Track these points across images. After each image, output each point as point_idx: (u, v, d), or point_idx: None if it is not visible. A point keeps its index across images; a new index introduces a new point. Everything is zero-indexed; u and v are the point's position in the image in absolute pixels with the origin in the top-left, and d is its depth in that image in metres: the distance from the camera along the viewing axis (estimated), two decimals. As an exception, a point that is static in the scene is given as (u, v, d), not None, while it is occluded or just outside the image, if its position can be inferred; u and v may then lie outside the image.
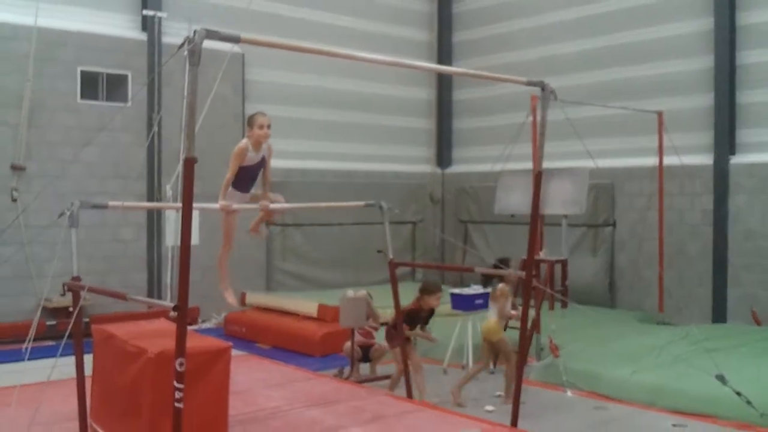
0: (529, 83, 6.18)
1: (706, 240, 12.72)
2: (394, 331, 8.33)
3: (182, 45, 4.72)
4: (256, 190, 6.59)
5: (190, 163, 4.73)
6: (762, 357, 9.02)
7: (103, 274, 11.54)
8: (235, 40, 4.84)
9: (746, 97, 12.40)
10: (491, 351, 8.64)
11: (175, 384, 4.70)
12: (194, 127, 4.79)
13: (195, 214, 13.39)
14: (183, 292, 4.83)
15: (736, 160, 12.45)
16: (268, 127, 6.21)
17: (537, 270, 10.26)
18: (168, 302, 5.15)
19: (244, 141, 6.23)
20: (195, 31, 4.61)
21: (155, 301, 5.37)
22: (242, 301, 12.94)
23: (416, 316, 8.55)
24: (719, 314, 12.42)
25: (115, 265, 11.84)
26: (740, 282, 11.99)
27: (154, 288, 12.56)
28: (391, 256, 7.87)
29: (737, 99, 12.48)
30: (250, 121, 6.26)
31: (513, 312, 8.55)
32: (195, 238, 13.11)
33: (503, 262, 8.50)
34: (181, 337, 4.79)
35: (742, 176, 12.32)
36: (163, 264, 12.82)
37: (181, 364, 4.72)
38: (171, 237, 12.89)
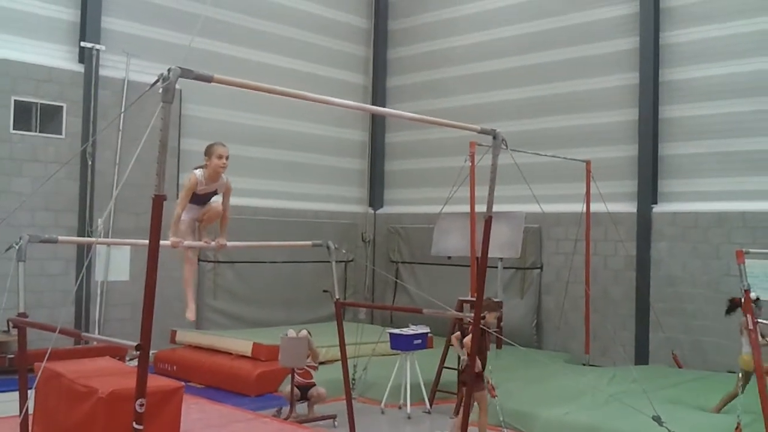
0: (483, 131, 6.40)
1: (629, 285, 13.23)
2: (475, 374, 7.68)
3: (156, 82, 4.73)
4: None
5: (159, 201, 4.70)
6: (689, 398, 9.43)
7: (31, 308, 11.12)
8: (208, 79, 4.88)
9: (668, 149, 13.08)
10: (746, 379, 8.65)
11: (135, 425, 4.62)
12: (164, 165, 4.76)
13: (126, 250, 13.30)
14: (146, 331, 4.77)
15: (658, 208, 13.06)
16: (227, 158, 6.06)
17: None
18: (125, 341, 5.06)
19: (198, 173, 6.06)
20: (169, 69, 4.64)
21: (115, 339, 5.27)
22: (172, 339, 12.73)
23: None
24: (642, 356, 12.89)
25: (43, 299, 11.48)
26: (662, 326, 12.47)
27: (81, 323, 12.21)
28: (337, 296, 7.95)
29: (660, 151, 13.14)
30: (209, 151, 6.07)
31: None
32: (125, 274, 12.91)
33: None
34: (142, 376, 4.72)
35: (664, 224, 12.92)
36: (92, 299, 12.50)
37: (141, 405, 4.66)
38: (101, 272, 12.63)
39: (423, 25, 17.02)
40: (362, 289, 17.09)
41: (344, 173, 17.24)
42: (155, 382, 5.98)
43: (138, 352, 4.71)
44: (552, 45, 14.59)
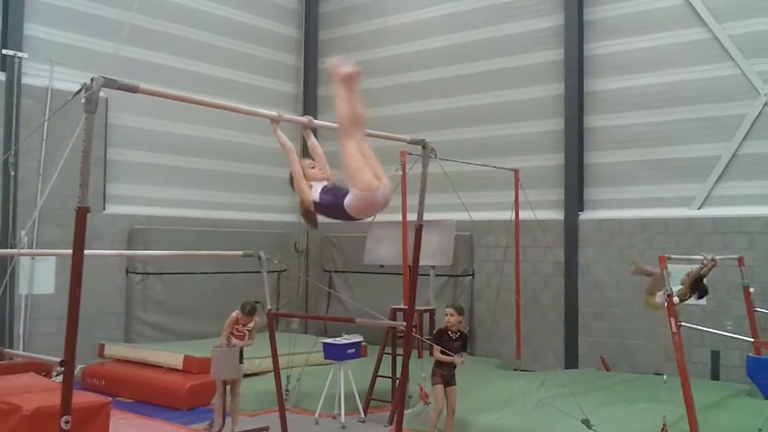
0: (413, 141, 6.49)
1: (558, 290, 13.48)
2: (437, 369, 8.44)
3: (78, 92, 4.66)
4: None
5: (82, 212, 4.62)
6: (616, 401, 9.67)
7: (-51, 325, 10.80)
8: (133, 89, 4.83)
9: (593, 158, 13.42)
10: None
11: (60, 443, 4.51)
12: (88, 176, 4.68)
13: (51, 263, 12.93)
14: (70, 346, 4.69)
15: (584, 215, 13.37)
16: None
17: (419, 320, 10.52)
18: (49, 357, 4.93)
19: None
20: (92, 79, 4.57)
21: (39, 356, 5.13)
22: (100, 352, 12.44)
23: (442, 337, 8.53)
24: (571, 361, 13.15)
25: (-39, 315, 11.11)
26: (590, 330, 12.74)
27: (5, 339, 11.81)
28: (269, 307, 7.91)
29: (585, 159, 13.47)
30: None
31: None
32: (50, 287, 12.56)
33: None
34: (66, 393, 4.62)
35: (590, 231, 13.23)
36: (16, 313, 12.11)
37: (66, 422, 4.55)
38: (25, 285, 12.26)
39: (352, 35, 17.06)
40: (296, 300, 16.98)
41: (276, 183, 17.03)
42: (81, 398, 5.84)
43: (63, 368, 4.62)
44: (479, 56, 14.81)
